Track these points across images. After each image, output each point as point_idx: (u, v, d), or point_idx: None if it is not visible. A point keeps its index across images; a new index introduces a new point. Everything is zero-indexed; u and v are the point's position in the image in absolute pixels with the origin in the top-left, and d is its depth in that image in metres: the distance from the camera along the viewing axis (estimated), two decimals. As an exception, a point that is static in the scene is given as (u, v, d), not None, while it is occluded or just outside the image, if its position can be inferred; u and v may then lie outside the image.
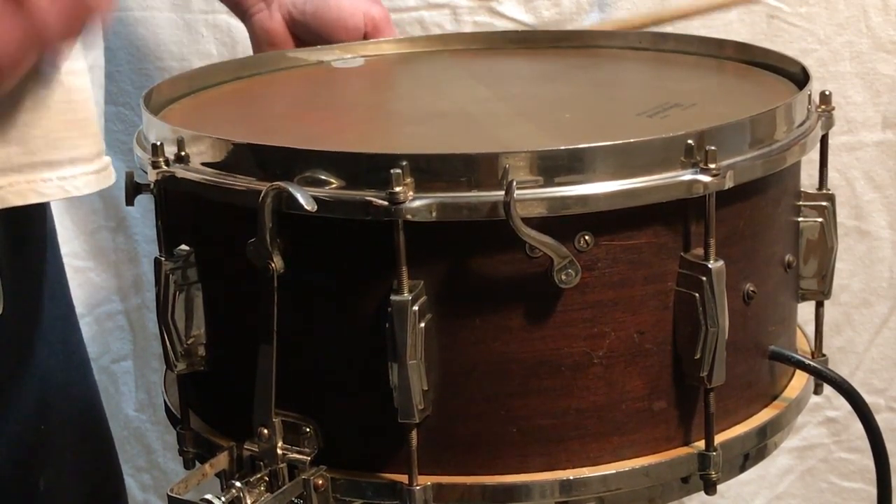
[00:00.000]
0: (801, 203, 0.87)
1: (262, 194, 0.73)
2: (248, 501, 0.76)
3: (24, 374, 0.99)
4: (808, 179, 0.89)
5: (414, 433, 0.74)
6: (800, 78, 0.91)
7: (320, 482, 0.77)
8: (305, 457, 0.77)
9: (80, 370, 1.08)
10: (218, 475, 0.80)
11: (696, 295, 0.75)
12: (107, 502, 1.10)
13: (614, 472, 0.77)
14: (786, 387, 0.87)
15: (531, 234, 0.71)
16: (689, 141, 0.74)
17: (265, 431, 0.77)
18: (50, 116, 0.86)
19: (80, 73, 0.86)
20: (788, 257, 0.85)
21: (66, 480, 1.04)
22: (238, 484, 0.76)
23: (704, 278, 0.75)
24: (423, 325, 0.73)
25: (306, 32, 1.11)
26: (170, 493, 0.76)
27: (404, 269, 0.72)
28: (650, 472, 0.77)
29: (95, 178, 0.89)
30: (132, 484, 1.53)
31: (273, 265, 0.75)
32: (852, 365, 1.43)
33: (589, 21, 1.33)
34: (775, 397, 0.85)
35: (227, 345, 0.82)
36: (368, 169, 0.73)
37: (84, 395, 1.08)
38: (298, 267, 0.76)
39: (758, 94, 0.92)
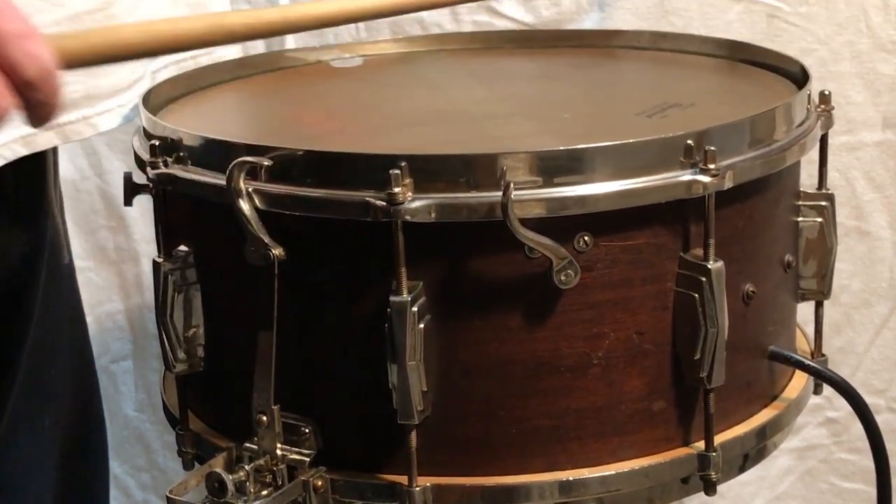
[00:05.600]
0: (800, 203, 0.87)
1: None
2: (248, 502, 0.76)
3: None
4: (808, 179, 0.89)
5: (413, 434, 0.74)
6: (799, 78, 0.91)
7: (320, 483, 0.77)
8: (305, 458, 0.77)
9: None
10: (217, 476, 0.80)
11: (696, 295, 0.75)
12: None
13: (614, 472, 0.77)
14: (785, 387, 0.87)
15: (529, 236, 0.71)
16: (689, 141, 0.74)
17: (264, 418, 0.77)
18: None
19: None
20: (788, 257, 0.85)
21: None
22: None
23: (704, 278, 0.75)
24: (422, 325, 0.73)
25: None
26: (169, 495, 0.75)
27: (403, 269, 0.72)
28: (650, 473, 0.77)
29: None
30: (132, 483, 1.52)
31: (273, 253, 0.74)
32: (852, 365, 1.42)
33: (589, 21, 1.33)
34: (775, 398, 0.85)
35: (225, 345, 0.82)
36: (368, 169, 0.73)
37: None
38: (298, 267, 0.75)
39: (757, 94, 0.92)
